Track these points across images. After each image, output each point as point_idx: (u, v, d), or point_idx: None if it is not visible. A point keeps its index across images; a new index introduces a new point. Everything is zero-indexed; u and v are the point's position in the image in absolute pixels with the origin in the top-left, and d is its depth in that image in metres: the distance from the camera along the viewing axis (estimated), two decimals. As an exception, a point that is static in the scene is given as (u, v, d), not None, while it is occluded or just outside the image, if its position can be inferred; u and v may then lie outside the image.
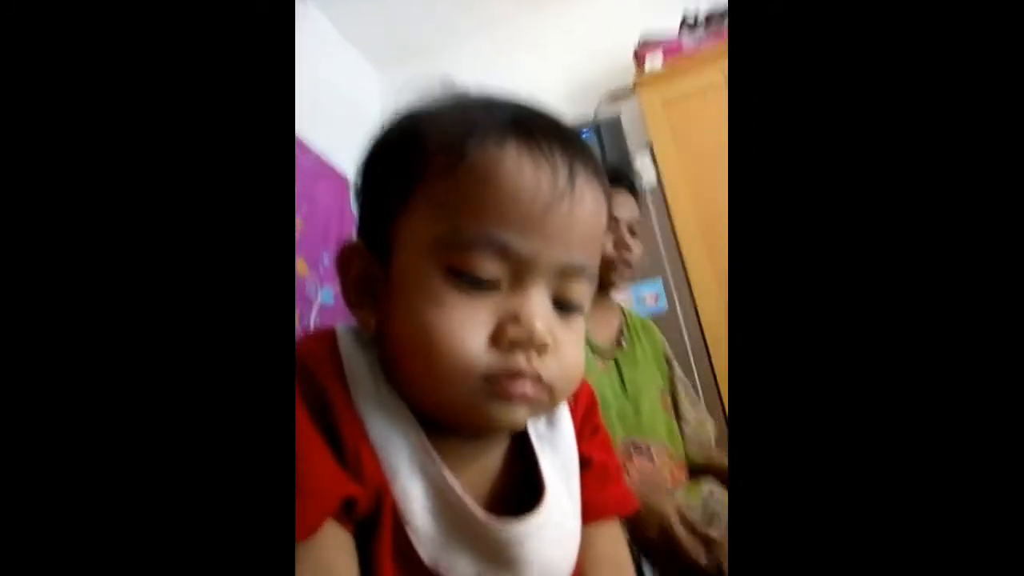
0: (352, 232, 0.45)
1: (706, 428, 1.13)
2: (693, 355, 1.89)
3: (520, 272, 0.35)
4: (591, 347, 1.02)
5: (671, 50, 2.10)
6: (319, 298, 1.86)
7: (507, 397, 0.35)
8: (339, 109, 2.13)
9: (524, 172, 0.35)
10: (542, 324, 0.35)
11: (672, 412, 1.08)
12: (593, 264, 0.38)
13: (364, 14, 2.35)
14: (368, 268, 0.39)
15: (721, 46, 2.00)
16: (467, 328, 0.34)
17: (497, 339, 0.35)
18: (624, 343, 1.07)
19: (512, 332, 0.34)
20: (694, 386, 1.80)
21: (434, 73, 0.43)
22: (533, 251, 0.35)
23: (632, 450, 0.95)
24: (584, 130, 2.07)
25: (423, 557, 0.35)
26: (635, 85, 2.12)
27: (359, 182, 0.43)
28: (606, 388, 0.98)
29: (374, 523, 0.35)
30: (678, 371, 1.16)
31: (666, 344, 1.18)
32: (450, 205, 0.35)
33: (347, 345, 0.39)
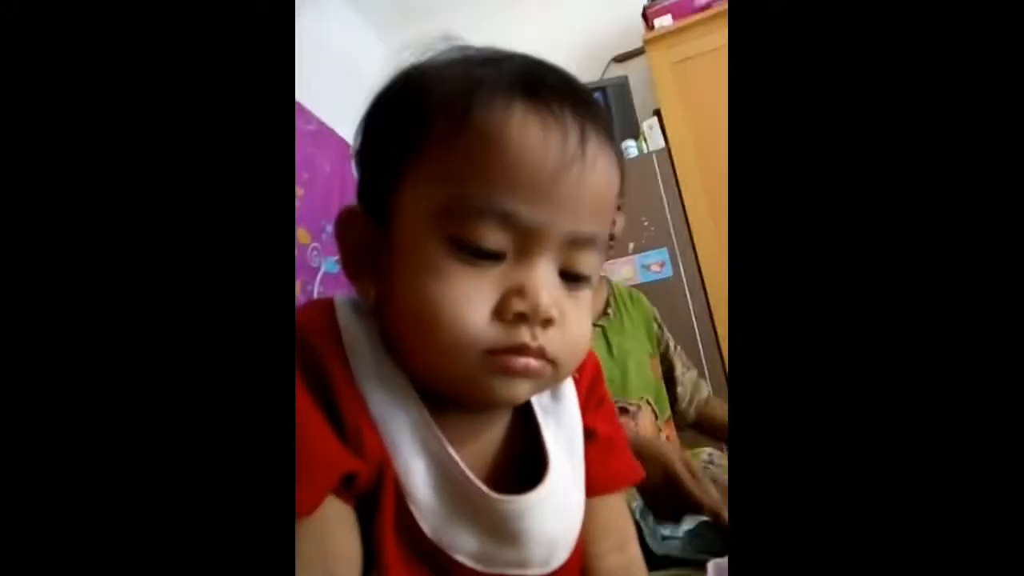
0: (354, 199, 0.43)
1: (700, 389, 1.20)
2: (697, 320, 1.90)
3: (526, 242, 0.34)
4: None
5: (681, 9, 2.03)
6: (323, 267, 1.85)
7: (510, 372, 0.34)
8: (341, 74, 2.09)
9: (532, 136, 0.33)
10: (548, 297, 0.34)
11: (661, 376, 1.14)
12: (604, 233, 0.37)
13: (365, -25, 2.29)
14: (368, 236, 0.38)
15: (732, 5, 1.94)
16: (470, 301, 0.33)
17: (501, 312, 0.33)
18: (611, 312, 1.10)
19: (516, 305, 0.33)
20: (697, 351, 1.83)
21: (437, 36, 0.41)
22: (540, 221, 0.33)
23: (617, 412, 0.97)
24: (590, 93, 2.03)
25: (426, 531, 0.35)
26: (644, 44, 2.07)
27: (358, 143, 0.41)
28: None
29: (375, 498, 0.35)
30: (669, 337, 1.21)
31: (656, 312, 1.23)
32: (453, 171, 0.34)
33: (346, 316, 0.38)
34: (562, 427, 0.42)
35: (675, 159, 1.99)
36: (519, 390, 0.35)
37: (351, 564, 0.34)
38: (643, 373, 1.07)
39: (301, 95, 1.72)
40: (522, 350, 0.34)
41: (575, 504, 0.40)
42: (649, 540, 0.69)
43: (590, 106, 0.36)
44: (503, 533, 0.36)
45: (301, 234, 1.80)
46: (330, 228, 1.81)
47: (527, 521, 0.36)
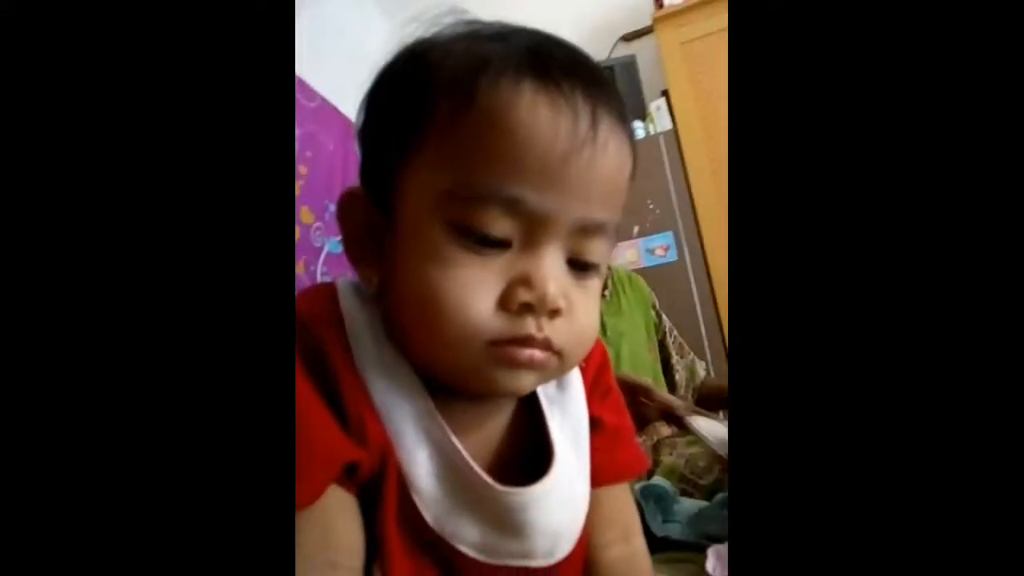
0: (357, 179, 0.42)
1: (696, 371, 1.23)
2: (700, 305, 1.89)
3: (533, 230, 0.33)
4: None
5: (691, -14, 2.00)
6: (326, 247, 1.84)
7: (514, 364, 0.33)
8: (345, 52, 2.06)
9: (541, 117, 0.32)
10: (555, 287, 0.33)
11: (658, 358, 1.17)
12: (614, 219, 0.35)
13: (368, -53, 2.24)
14: (371, 219, 0.37)
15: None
16: (474, 291, 0.32)
17: (506, 303, 0.32)
18: (607, 293, 1.11)
19: (522, 296, 0.32)
20: (700, 336, 1.84)
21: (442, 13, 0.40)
22: (549, 207, 0.32)
23: None
24: (597, 73, 2.00)
25: (428, 521, 0.35)
26: (652, 22, 2.03)
27: (361, 122, 0.39)
28: None
29: (378, 487, 0.34)
30: (667, 323, 1.24)
31: (655, 298, 1.25)
32: (458, 155, 0.32)
33: (348, 302, 0.37)
34: (568, 417, 0.41)
35: (682, 141, 1.96)
36: (523, 381, 0.34)
37: (353, 554, 0.33)
38: (638, 356, 1.09)
39: (302, 70, 1.70)
40: (527, 341, 0.33)
41: (580, 495, 0.40)
42: (650, 522, 0.70)
43: (602, 85, 0.34)
44: (507, 524, 0.35)
45: (304, 214, 1.79)
46: (333, 208, 1.80)
47: (531, 513, 0.36)
